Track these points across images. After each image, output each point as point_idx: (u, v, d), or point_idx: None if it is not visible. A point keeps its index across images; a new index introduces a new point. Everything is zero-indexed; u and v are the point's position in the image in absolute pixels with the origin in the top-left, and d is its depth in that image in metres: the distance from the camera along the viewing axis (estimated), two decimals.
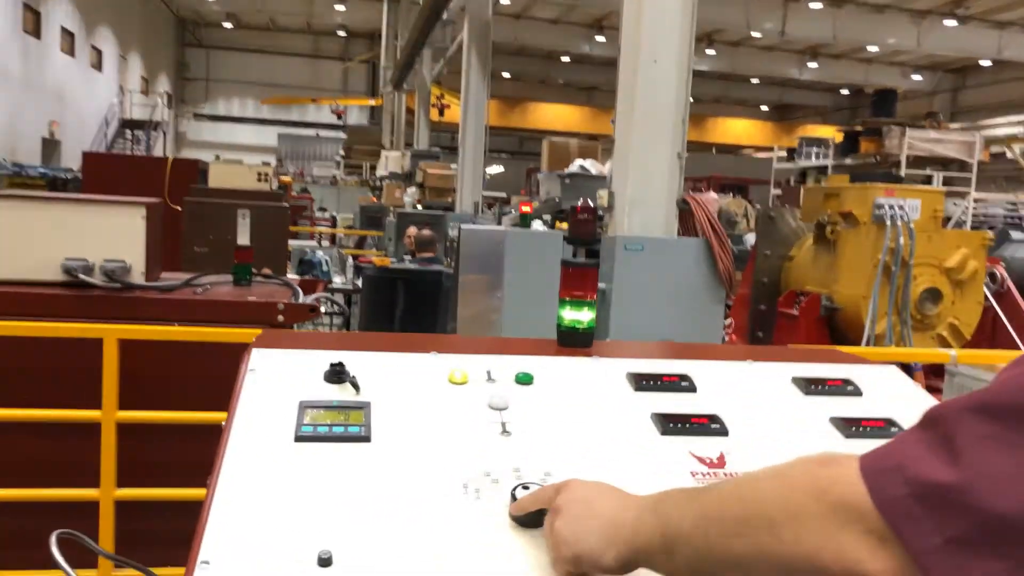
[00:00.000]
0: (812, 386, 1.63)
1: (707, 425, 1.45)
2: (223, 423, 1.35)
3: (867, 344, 5.73)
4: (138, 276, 3.31)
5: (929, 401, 1.64)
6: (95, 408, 2.94)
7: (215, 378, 2.78)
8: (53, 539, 1.41)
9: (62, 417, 3.01)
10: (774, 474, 0.93)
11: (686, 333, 4.88)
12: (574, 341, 1.76)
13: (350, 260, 8.80)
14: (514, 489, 1.18)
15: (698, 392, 1.57)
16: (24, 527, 3.13)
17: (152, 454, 3.11)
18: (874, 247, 5.53)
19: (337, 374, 1.46)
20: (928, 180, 17.24)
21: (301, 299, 3.51)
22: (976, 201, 18.50)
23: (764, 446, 1.42)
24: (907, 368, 5.28)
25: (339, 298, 7.36)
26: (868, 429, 1.49)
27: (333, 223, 16.40)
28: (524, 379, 1.53)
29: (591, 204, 3.81)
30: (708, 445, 1.40)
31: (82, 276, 3.17)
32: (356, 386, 1.44)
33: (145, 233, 3.34)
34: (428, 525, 1.14)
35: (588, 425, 1.43)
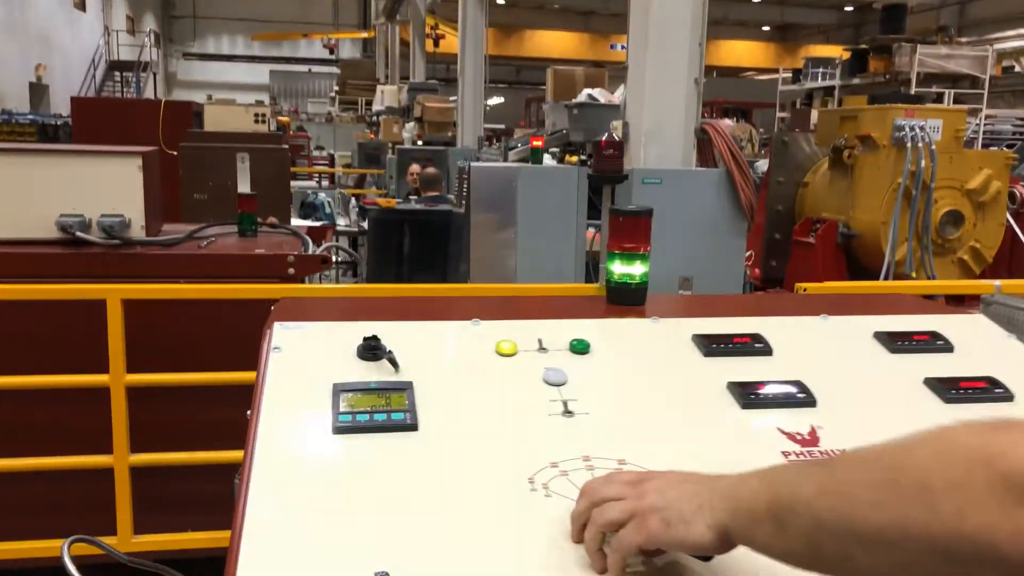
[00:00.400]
0: (898, 342, 1.46)
1: (792, 395, 1.28)
2: (248, 412, 1.19)
3: (887, 271, 5.57)
4: (138, 231, 3.12)
5: None
6: (103, 372, 2.80)
7: (225, 336, 2.64)
8: (65, 547, 1.26)
9: (69, 383, 2.86)
10: (928, 438, 0.76)
11: (707, 268, 4.70)
12: (625, 298, 1.59)
13: (353, 201, 8.57)
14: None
15: (775, 355, 1.41)
16: (40, 495, 3.03)
17: (165, 417, 2.98)
18: (894, 171, 5.32)
19: (372, 350, 1.29)
20: (939, 98, 16.82)
21: (311, 250, 3.34)
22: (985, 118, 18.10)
23: (857, 417, 1.26)
24: (929, 299, 5.14)
25: (344, 242, 7.17)
26: (969, 392, 1.33)
27: (331, 162, 16.07)
28: (580, 348, 1.36)
29: (616, 138, 3.59)
30: (796, 419, 1.24)
31: (79, 233, 2.98)
32: (395, 363, 1.27)
33: (143, 184, 3.14)
34: (495, 533, 0.98)
35: (658, 400, 1.27)
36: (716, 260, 4.86)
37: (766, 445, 1.18)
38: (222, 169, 5.17)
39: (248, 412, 1.19)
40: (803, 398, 1.28)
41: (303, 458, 1.08)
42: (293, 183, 7.53)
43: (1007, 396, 1.32)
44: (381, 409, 1.17)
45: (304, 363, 1.28)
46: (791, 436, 1.20)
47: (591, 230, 4.95)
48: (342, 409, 1.16)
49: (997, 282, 3.55)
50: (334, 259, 3.32)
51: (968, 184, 5.57)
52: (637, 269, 1.57)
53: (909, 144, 5.25)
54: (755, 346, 1.41)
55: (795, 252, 6.39)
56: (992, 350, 1.48)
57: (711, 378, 1.33)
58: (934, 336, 1.48)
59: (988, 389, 1.34)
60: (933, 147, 5.27)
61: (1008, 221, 5.75)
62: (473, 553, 0.95)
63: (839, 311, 1.57)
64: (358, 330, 1.35)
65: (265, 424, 1.13)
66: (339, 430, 1.13)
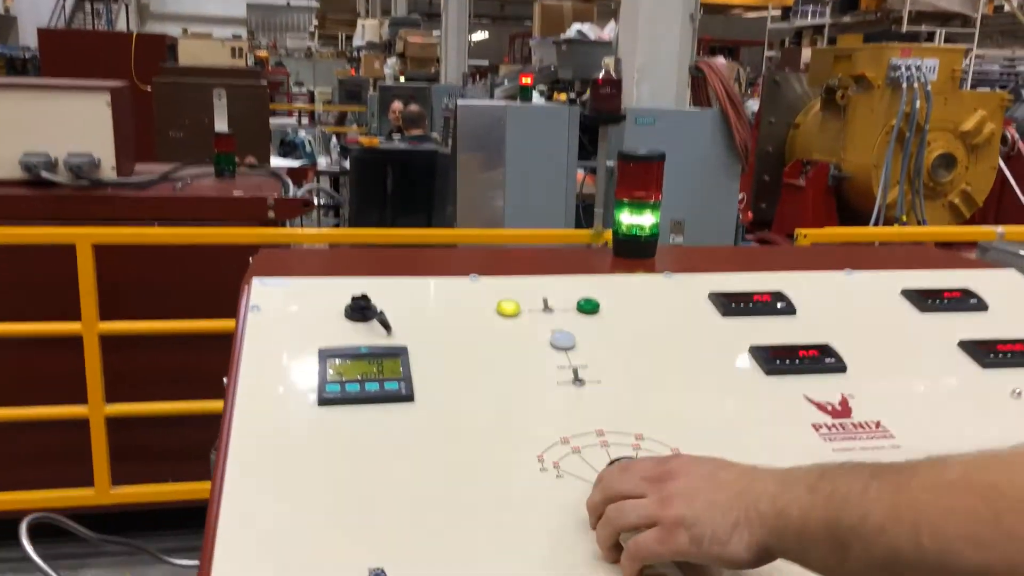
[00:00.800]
0: (928, 300, 1.36)
1: (819, 359, 1.18)
2: (224, 383, 1.07)
3: (878, 215, 5.50)
4: (108, 171, 2.95)
5: None
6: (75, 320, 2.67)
7: (202, 282, 2.51)
8: (23, 527, 1.16)
9: (39, 331, 2.73)
10: None
11: (700, 212, 4.60)
12: (634, 251, 1.47)
13: (334, 140, 8.33)
14: (609, 464, 0.92)
15: (798, 314, 1.30)
16: (15, 446, 2.92)
17: (141, 366, 2.87)
18: (887, 112, 5.22)
19: (361, 310, 1.17)
20: (930, 37, 16.54)
21: (292, 192, 3.19)
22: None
23: (891, 385, 1.16)
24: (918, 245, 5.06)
25: (325, 183, 6.97)
26: (1008, 355, 1.23)
27: (311, 99, 15.65)
28: (588, 307, 1.24)
29: (613, 76, 3.42)
30: (825, 386, 1.14)
31: (44, 174, 2.82)
32: (387, 325, 1.15)
33: (112, 121, 2.96)
34: (502, 521, 0.88)
35: (675, 366, 1.16)
36: (709, 203, 4.75)
37: (794, 417, 1.08)
38: (199, 106, 4.96)
39: (224, 379, 1.07)
40: (832, 363, 1.17)
41: (285, 434, 0.96)
42: (272, 121, 7.29)
43: None
44: (373, 377, 1.06)
45: (286, 324, 1.15)
46: (821, 406, 1.10)
47: (581, 172, 4.80)
48: (329, 377, 1.05)
49: (1000, 228, 3.47)
50: (316, 202, 3.17)
51: (962, 126, 5.48)
52: (647, 220, 1.45)
53: (904, 84, 5.12)
54: (777, 305, 1.30)
55: (785, 194, 6.30)
56: None
57: (731, 341, 1.22)
58: (966, 294, 1.38)
59: None
60: (928, 87, 5.15)
61: (999, 164, 5.68)
62: (478, 545, 0.85)
63: (863, 265, 1.46)
64: (345, 287, 1.23)
65: (243, 395, 1.01)
66: (326, 401, 1.02)
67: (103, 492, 2.79)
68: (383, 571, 0.80)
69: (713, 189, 4.75)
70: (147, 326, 2.73)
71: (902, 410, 1.11)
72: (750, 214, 5.63)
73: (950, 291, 1.38)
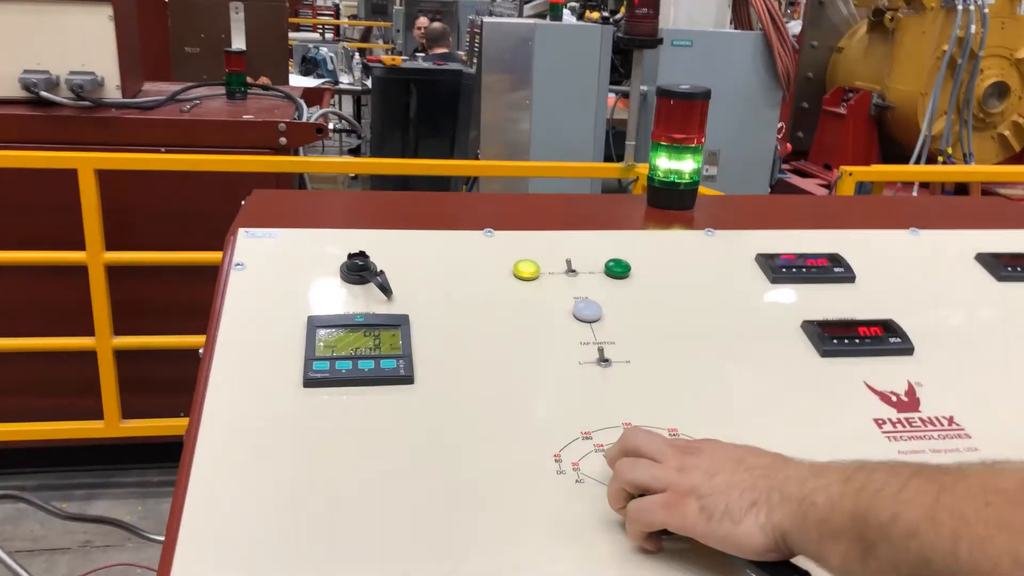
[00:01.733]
0: (1007, 267, 1.19)
1: (883, 339, 1.02)
2: (201, 350, 0.94)
3: (922, 147, 5.22)
4: (112, 91, 2.79)
5: None
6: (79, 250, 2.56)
7: (211, 211, 2.37)
8: None
9: (42, 260, 2.63)
10: None
11: (736, 141, 4.36)
12: (671, 201, 1.31)
13: (357, 57, 8.04)
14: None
15: (857, 282, 1.14)
16: (24, 377, 2.86)
17: (149, 298, 2.77)
18: (940, 36, 4.90)
19: (358, 271, 1.03)
20: None
21: (305, 116, 3.02)
22: None
23: (964, 370, 1.01)
24: (963, 187, 4.80)
25: (348, 101, 6.72)
26: None
27: (336, 13, 15.21)
28: (618, 271, 1.09)
29: None
30: (889, 371, 0.99)
31: (44, 93, 2.66)
32: (386, 290, 1.01)
33: (116, 37, 2.78)
34: (513, 535, 0.75)
35: (716, 345, 1.01)
36: (746, 132, 4.51)
37: (854, 409, 0.93)
38: (217, 19, 4.74)
39: (200, 351, 0.94)
40: (897, 344, 1.02)
41: (263, 423, 0.83)
42: (294, 35, 7.02)
43: None
44: (367, 354, 0.92)
45: (273, 286, 1.02)
46: (884, 396, 0.95)
47: (612, 96, 4.56)
48: (317, 353, 0.91)
49: None
50: (331, 127, 3.00)
51: (1018, 52, 5.15)
52: (687, 166, 1.28)
53: (960, 6, 4.78)
54: (834, 270, 1.14)
55: (823, 123, 6.04)
56: None
57: (781, 313, 1.06)
58: None
59: None
60: (986, 10, 4.82)
61: None
62: (484, 566, 0.72)
63: (930, 221, 1.29)
64: (343, 240, 1.09)
65: (218, 373, 0.88)
66: (312, 382, 0.88)
67: (113, 425, 2.73)
68: None
69: (751, 118, 4.50)
70: (154, 257, 2.62)
71: (978, 402, 0.96)
72: (789, 146, 5.37)
73: None
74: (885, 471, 0.64)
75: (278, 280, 1.02)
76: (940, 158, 5.22)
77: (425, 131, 5.78)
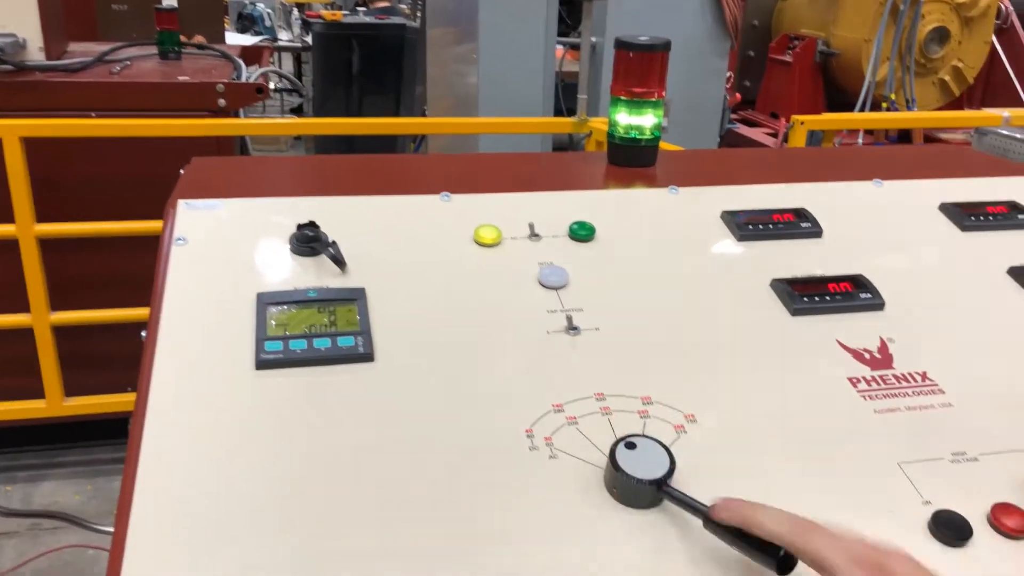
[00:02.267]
0: (971, 217, 1.18)
1: (853, 295, 1.00)
2: (144, 332, 0.88)
3: (867, 93, 5.27)
4: (35, 53, 2.63)
5: None
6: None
7: (147, 178, 2.26)
8: None
9: None
10: None
11: (686, 91, 4.32)
12: (633, 158, 1.26)
13: (295, 12, 7.78)
14: (615, 446, 0.75)
15: (824, 237, 1.11)
16: None
17: (87, 270, 2.65)
18: None
19: (309, 242, 0.97)
20: None
21: (245, 76, 2.89)
22: None
23: (935, 325, 0.99)
24: (905, 134, 4.86)
25: (287, 60, 6.51)
26: None
27: None
28: (582, 233, 1.05)
29: None
30: (861, 328, 0.97)
31: None
32: (340, 262, 0.95)
33: None
34: (484, 523, 0.72)
35: (685, 307, 0.98)
36: (695, 83, 4.46)
37: (827, 369, 0.91)
38: None
39: (143, 332, 0.88)
40: (868, 299, 1.00)
41: (214, 411, 0.78)
42: None
43: None
44: (323, 332, 0.87)
45: (218, 261, 0.95)
46: (857, 354, 0.93)
47: (560, 48, 4.48)
48: (269, 332, 0.86)
49: (1006, 112, 3.27)
50: (272, 86, 2.88)
51: None
52: (648, 121, 1.24)
53: None
54: (801, 226, 1.11)
55: (770, 71, 6.05)
56: None
57: (749, 272, 1.04)
58: (1012, 208, 1.20)
59: None
60: None
61: (991, 40, 5.44)
62: (454, 551, 0.68)
63: (893, 172, 1.27)
64: (291, 210, 1.03)
65: (163, 358, 0.82)
66: (265, 364, 0.83)
67: (55, 404, 2.63)
68: None
69: (700, 68, 4.46)
70: (89, 228, 2.49)
71: (950, 357, 0.94)
72: (738, 95, 5.36)
73: (994, 205, 1.20)
74: None
75: (223, 255, 0.96)
76: (884, 104, 5.27)
77: (369, 88, 5.62)
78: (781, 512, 0.64)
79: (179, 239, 0.97)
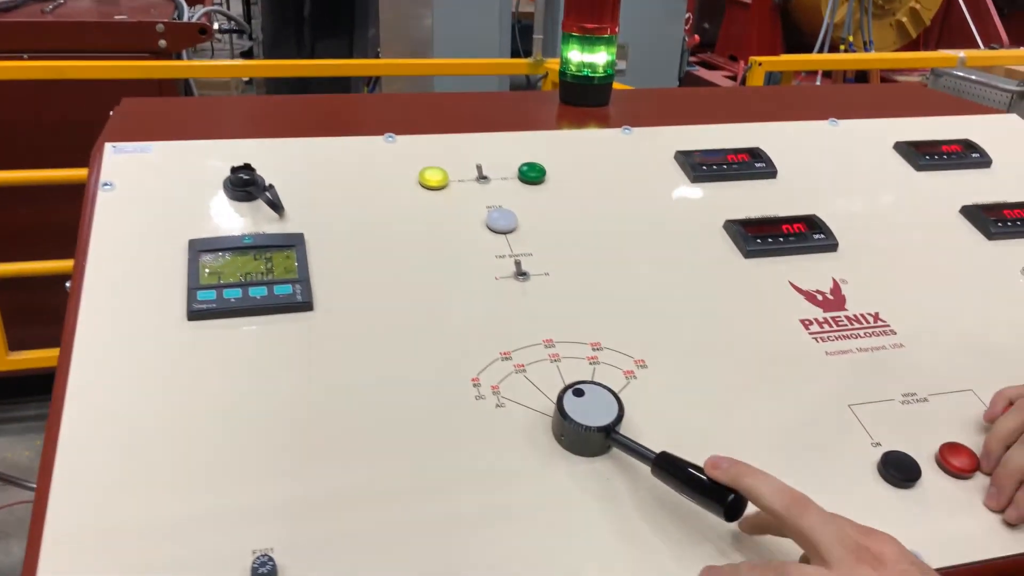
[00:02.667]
0: (925, 156, 1.16)
1: (807, 236, 0.99)
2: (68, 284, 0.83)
3: (825, 35, 5.26)
4: None
5: None
6: None
7: (83, 124, 2.17)
8: None
9: None
10: None
11: (643, 34, 4.27)
12: (585, 97, 1.23)
13: None
14: (562, 393, 0.73)
15: (779, 177, 1.09)
16: None
17: (24, 221, 2.55)
18: None
19: (243, 186, 0.92)
20: None
21: (186, 15, 2.76)
22: None
23: (888, 266, 0.98)
24: (863, 76, 4.86)
25: (236, 1, 6.26)
26: (1017, 223, 1.06)
27: None
28: (532, 175, 1.01)
29: None
30: (814, 269, 0.96)
31: None
32: (277, 206, 0.91)
33: None
34: (427, 476, 0.69)
35: (636, 250, 0.95)
36: (653, 24, 4.40)
37: (779, 311, 0.90)
38: None
39: (67, 284, 0.83)
40: (821, 240, 0.99)
41: (142, 364, 0.74)
42: None
43: None
44: (259, 280, 0.83)
45: (147, 207, 0.90)
46: (810, 296, 0.92)
47: None
48: (202, 281, 0.82)
49: (961, 53, 3.27)
50: (216, 27, 2.76)
51: None
52: (601, 58, 1.20)
53: None
54: (755, 166, 1.09)
55: (729, 13, 6.01)
56: None
57: (702, 214, 1.01)
58: (967, 146, 1.19)
59: None
60: None
61: None
62: (397, 512, 0.66)
63: (848, 111, 1.25)
64: (226, 152, 0.98)
65: (88, 310, 0.78)
66: (197, 314, 0.79)
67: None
68: (271, 556, 0.61)
69: (658, 9, 4.39)
70: (22, 176, 2.39)
71: (903, 297, 0.94)
72: (696, 37, 5.30)
73: (948, 143, 1.19)
74: None
75: (153, 200, 0.91)
76: (842, 46, 5.26)
77: (321, 31, 5.43)
78: (776, 482, 0.62)
79: (105, 184, 0.91)
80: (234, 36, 6.86)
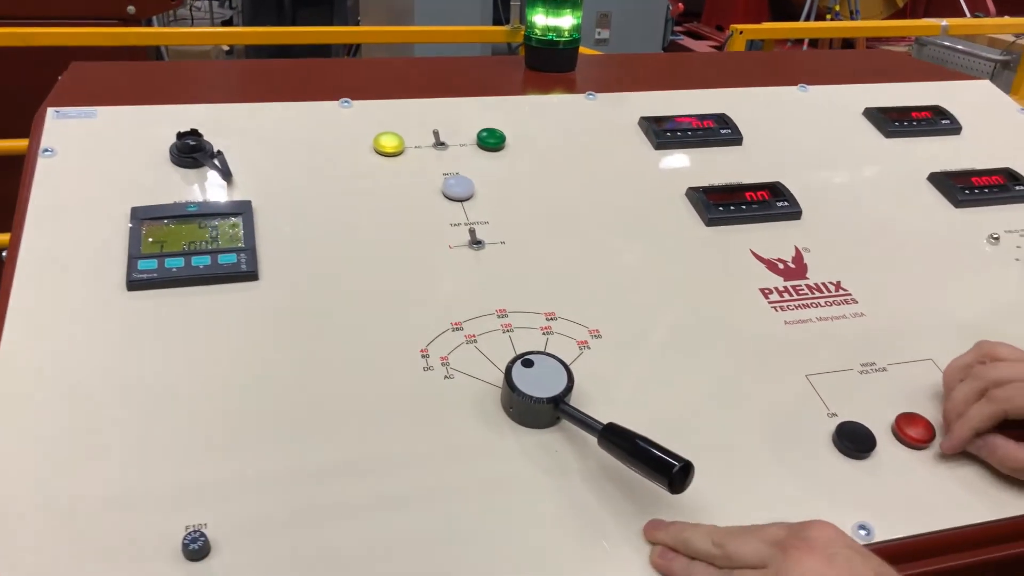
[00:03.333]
0: (895, 122, 1.14)
1: (770, 203, 0.97)
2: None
3: (811, 5, 5.23)
4: None
5: None
6: None
7: (43, 93, 2.13)
8: None
9: None
10: None
11: (627, 2, 4.22)
12: (551, 62, 1.20)
13: None
14: (511, 364, 0.71)
15: (744, 144, 1.07)
16: None
17: None
18: None
19: (190, 152, 0.89)
20: None
21: None
22: None
23: (851, 234, 0.97)
24: (849, 44, 4.82)
25: None
26: (984, 191, 1.04)
27: None
28: (491, 142, 0.99)
29: None
30: (777, 237, 0.94)
31: None
32: (225, 173, 0.88)
33: None
34: (371, 451, 0.67)
35: (597, 218, 0.93)
36: None
37: (739, 280, 0.88)
38: None
39: (2, 253, 0.81)
40: (785, 208, 0.97)
41: (79, 336, 0.72)
42: None
43: None
44: (203, 248, 0.80)
45: (89, 174, 0.87)
46: (771, 264, 0.90)
47: None
48: (143, 250, 0.79)
49: (944, 22, 3.23)
50: None
51: None
52: (566, 22, 1.17)
53: None
54: (720, 132, 1.07)
55: None
56: (1003, 128, 1.18)
57: (664, 181, 0.99)
58: (937, 113, 1.17)
59: (1007, 187, 1.06)
60: None
61: None
62: (339, 488, 0.64)
63: (819, 77, 1.23)
64: (173, 118, 0.95)
65: (23, 277, 0.75)
66: (137, 284, 0.76)
67: None
68: (203, 532, 0.59)
69: None
70: None
71: (865, 266, 0.92)
72: (680, 5, 5.25)
73: (918, 110, 1.17)
74: None
75: (95, 167, 0.88)
76: (828, 16, 5.22)
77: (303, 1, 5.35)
78: (705, 527, 0.61)
79: (46, 150, 0.88)
80: (214, 5, 6.75)
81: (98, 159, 0.89)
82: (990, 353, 0.73)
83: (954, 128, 1.15)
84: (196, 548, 0.58)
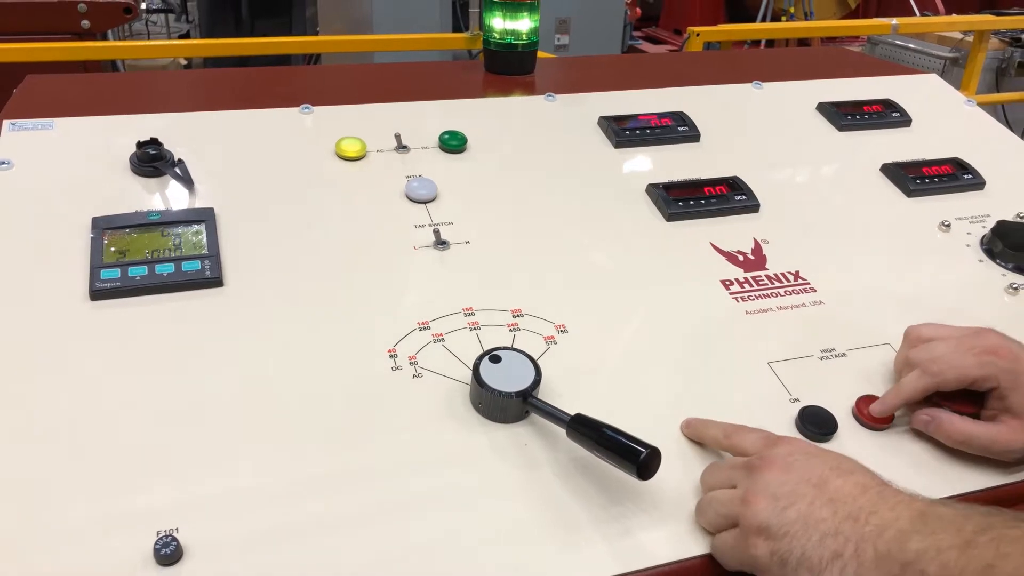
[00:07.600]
0: (847, 116, 1.17)
1: (728, 197, 0.99)
2: None
3: (766, 7, 5.33)
4: None
5: (995, 128, 1.22)
6: None
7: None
8: None
9: None
10: None
11: (587, 7, 4.26)
12: (510, 65, 1.21)
13: None
14: (479, 360, 0.71)
15: (702, 140, 1.09)
16: None
17: None
18: None
19: (151, 161, 0.89)
20: None
21: None
22: None
23: (808, 225, 0.99)
24: (805, 43, 4.91)
25: None
26: (935, 180, 1.07)
27: None
28: (453, 143, 1.00)
29: None
30: (736, 230, 0.96)
31: None
32: (186, 180, 0.88)
33: None
34: (341, 453, 0.68)
35: (559, 216, 0.94)
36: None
37: (700, 272, 0.90)
38: None
39: None
40: (743, 201, 0.99)
41: (42, 346, 0.71)
42: None
43: (978, 183, 1.08)
44: (167, 256, 0.80)
45: (48, 185, 0.86)
46: (731, 256, 0.92)
47: None
48: (106, 259, 0.79)
49: (894, 21, 3.31)
50: (143, 6, 2.68)
51: None
52: (524, 25, 1.18)
53: None
54: (678, 129, 1.09)
55: None
56: (952, 120, 1.22)
57: (625, 179, 1.01)
58: (887, 106, 1.20)
59: (956, 175, 1.09)
60: None
61: None
62: (311, 488, 0.65)
63: (773, 74, 1.26)
64: (133, 127, 0.94)
65: None
66: (100, 293, 0.76)
67: None
68: (174, 537, 0.59)
69: None
70: None
71: (823, 255, 0.94)
72: (638, 10, 5.31)
73: (870, 104, 1.20)
74: (1020, 534, 0.49)
75: (54, 178, 0.87)
76: (783, 17, 5.31)
77: (260, 10, 5.32)
78: (718, 423, 0.71)
79: (2, 163, 0.88)
80: (171, 19, 6.68)
81: (57, 170, 0.88)
82: (918, 336, 0.76)
83: (904, 120, 1.19)
84: (168, 553, 0.58)
